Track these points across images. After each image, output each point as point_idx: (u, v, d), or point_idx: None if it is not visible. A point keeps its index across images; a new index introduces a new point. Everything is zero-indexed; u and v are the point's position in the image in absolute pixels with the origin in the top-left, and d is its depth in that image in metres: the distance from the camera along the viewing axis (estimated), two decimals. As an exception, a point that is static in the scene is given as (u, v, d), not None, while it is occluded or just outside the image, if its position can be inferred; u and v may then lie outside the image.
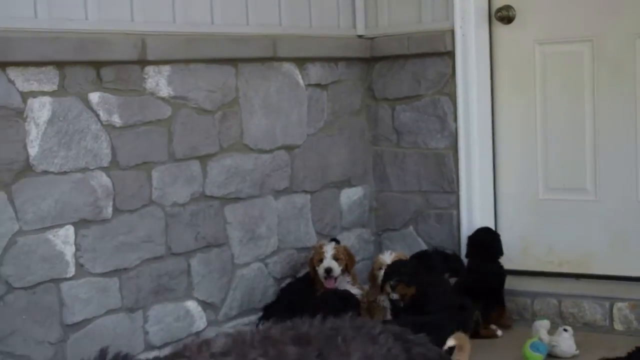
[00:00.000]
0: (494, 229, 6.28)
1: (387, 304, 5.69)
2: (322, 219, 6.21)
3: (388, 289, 5.50)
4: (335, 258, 5.70)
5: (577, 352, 5.40)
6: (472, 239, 6.11)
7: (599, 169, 6.07)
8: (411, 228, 6.58)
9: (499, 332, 5.78)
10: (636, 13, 5.88)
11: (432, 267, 5.95)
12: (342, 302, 5.21)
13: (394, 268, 5.59)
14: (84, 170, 4.69)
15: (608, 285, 6.01)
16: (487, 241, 6.05)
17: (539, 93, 6.24)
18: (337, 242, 6.06)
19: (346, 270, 5.77)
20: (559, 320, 5.87)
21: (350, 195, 6.47)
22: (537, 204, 6.29)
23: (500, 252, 6.02)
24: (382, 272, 5.68)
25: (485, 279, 5.90)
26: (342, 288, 5.62)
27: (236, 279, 5.57)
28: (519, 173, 6.35)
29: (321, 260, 5.70)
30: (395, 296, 5.46)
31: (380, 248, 6.53)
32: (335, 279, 5.66)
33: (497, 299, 5.92)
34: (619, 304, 5.80)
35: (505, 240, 6.11)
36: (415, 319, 5.00)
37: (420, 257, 6.08)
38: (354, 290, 5.68)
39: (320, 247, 5.78)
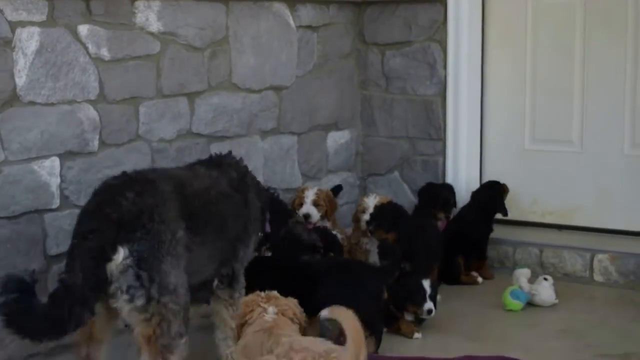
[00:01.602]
0: (479, 177, 6.31)
1: (369, 246, 5.71)
2: (308, 161, 6.22)
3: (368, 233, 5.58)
4: (315, 204, 5.70)
5: (557, 301, 5.46)
6: (478, 191, 6.16)
7: (586, 121, 6.08)
8: (396, 173, 6.59)
9: (479, 279, 5.84)
10: (629, -36, 5.87)
11: (445, 199, 6.05)
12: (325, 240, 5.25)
13: (376, 213, 5.61)
14: (71, 102, 4.67)
15: (590, 237, 6.06)
16: (491, 194, 6.08)
17: (529, 44, 6.24)
18: (340, 188, 6.05)
19: (326, 215, 5.77)
20: (539, 270, 5.93)
21: (337, 139, 6.47)
22: (523, 154, 6.31)
23: (502, 210, 6.05)
24: (365, 215, 5.69)
25: (475, 230, 5.94)
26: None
27: (220, 218, 5.56)
28: (506, 123, 6.36)
29: (301, 205, 5.71)
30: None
31: (365, 192, 6.53)
32: (314, 224, 5.65)
33: (481, 250, 5.96)
34: (600, 256, 5.87)
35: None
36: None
37: (429, 189, 6.14)
38: None
39: (302, 191, 5.78)
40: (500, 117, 6.38)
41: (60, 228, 4.67)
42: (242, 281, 4.40)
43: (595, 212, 6.10)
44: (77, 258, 3.60)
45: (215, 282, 4.33)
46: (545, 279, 5.49)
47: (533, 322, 5.22)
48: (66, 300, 3.50)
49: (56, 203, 4.65)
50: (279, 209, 5.05)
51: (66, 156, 4.68)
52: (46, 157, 4.58)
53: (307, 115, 6.14)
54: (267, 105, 5.82)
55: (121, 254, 3.60)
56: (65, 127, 4.65)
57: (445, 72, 6.30)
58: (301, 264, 4.84)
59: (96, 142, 4.82)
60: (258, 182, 4.68)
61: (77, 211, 4.63)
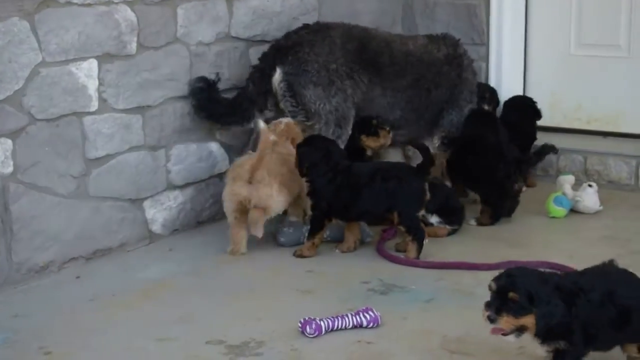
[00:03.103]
0: (522, 82, 6.21)
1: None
2: (348, 66, 6.11)
3: None
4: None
5: (601, 208, 5.37)
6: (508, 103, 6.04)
7: (634, 25, 5.92)
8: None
9: (523, 187, 5.74)
10: None
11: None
12: None
13: None
14: (108, 3, 4.60)
15: (635, 143, 5.94)
16: (525, 104, 5.97)
17: (577, -54, 6.06)
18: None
19: None
20: (583, 177, 5.83)
21: (378, 44, 6.35)
22: (568, 59, 6.17)
23: (538, 115, 5.94)
24: None
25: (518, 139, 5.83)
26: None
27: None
28: (551, 28, 6.22)
29: None
30: None
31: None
32: None
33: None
34: (646, 163, 5.75)
35: (534, 95, 6.03)
36: None
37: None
38: None
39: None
40: (545, 22, 6.23)
41: (99, 131, 4.65)
42: None
43: (641, 119, 5.98)
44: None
45: None
46: (590, 186, 5.40)
47: (577, 228, 5.15)
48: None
49: (94, 106, 4.62)
50: None
51: (104, 58, 4.62)
52: (84, 59, 4.54)
53: (347, 20, 6.00)
54: (306, 8, 5.71)
55: None
56: (102, 28, 4.59)
57: (489, -25, 6.16)
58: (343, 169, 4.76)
59: (134, 45, 4.76)
60: None
61: (115, 115, 4.68)
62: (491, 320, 3.08)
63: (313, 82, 5.10)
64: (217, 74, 5.11)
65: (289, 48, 5.15)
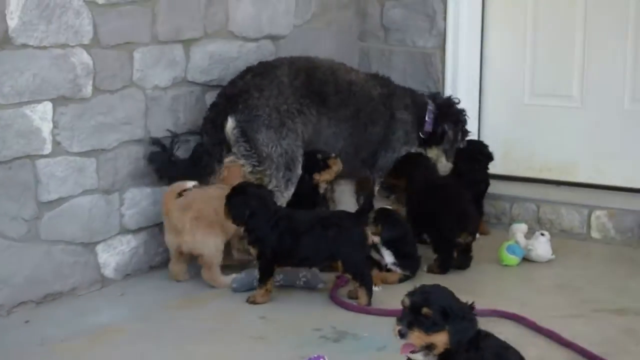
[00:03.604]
0: (477, 130, 6.25)
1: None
2: (304, 112, 6.13)
3: None
4: None
5: (553, 256, 5.41)
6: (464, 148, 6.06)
7: (587, 76, 6.01)
8: (395, 126, 6.51)
9: (471, 240, 5.75)
10: None
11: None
12: None
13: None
14: (64, 46, 4.59)
15: (588, 193, 6.01)
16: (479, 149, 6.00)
17: (530, -3, 6.16)
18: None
19: None
20: (536, 225, 5.87)
21: (334, 90, 6.38)
22: (522, 108, 6.25)
23: (491, 158, 5.97)
24: None
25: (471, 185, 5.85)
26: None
27: (215, 167, 5.51)
28: (505, 77, 6.29)
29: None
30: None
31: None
32: None
33: (478, 206, 5.88)
34: (598, 212, 5.81)
35: (487, 143, 6.07)
36: None
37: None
38: None
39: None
40: (500, 71, 6.31)
41: (52, 174, 4.61)
42: None
43: (594, 168, 6.04)
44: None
45: None
46: (542, 235, 5.44)
47: (529, 277, 5.18)
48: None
49: (48, 149, 4.59)
50: None
51: (59, 101, 4.60)
52: (38, 101, 4.51)
53: (305, 65, 6.05)
54: (263, 54, 5.72)
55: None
56: (57, 71, 4.57)
57: (445, 24, 6.22)
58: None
59: (90, 88, 4.75)
60: None
61: (69, 158, 4.66)
62: (402, 334, 3.03)
63: (265, 125, 5.12)
64: (175, 135, 5.14)
65: (238, 96, 5.16)
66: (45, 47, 4.50)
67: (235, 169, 5.13)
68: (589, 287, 4.97)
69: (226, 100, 5.19)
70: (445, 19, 6.21)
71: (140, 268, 5.11)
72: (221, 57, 5.45)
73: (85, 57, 4.69)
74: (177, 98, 5.23)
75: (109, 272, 4.95)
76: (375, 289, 4.79)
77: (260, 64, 5.40)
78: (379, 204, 5.33)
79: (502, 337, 3.25)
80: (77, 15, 4.62)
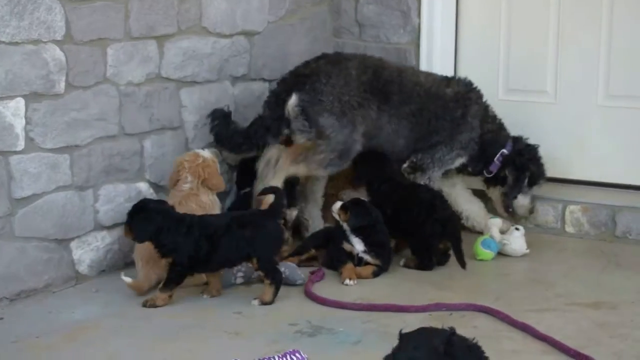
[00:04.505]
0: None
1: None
2: (279, 107, 6.12)
3: None
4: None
5: (528, 251, 5.43)
6: None
7: (560, 71, 6.03)
8: (369, 122, 6.51)
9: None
10: None
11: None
12: None
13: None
14: (36, 42, 4.56)
15: (562, 188, 6.02)
16: None
17: (504, -6, 6.17)
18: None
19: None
20: (511, 220, 5.88)
21: (309, 86, 6.38)
22: (497, 104, 6.21)
23: None
24: None
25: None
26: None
27: (189, 163, 5.49)
28: (479, 73, 6.26)
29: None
30: None
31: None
32: None
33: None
34: (572, 207, 5.85)
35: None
36: None
37: None
38: None
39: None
40: (474, 67, 6.29)
41: (26, 171, 4.59)
42: None
43: (568, 163, 6.05)
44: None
45: None
46: (517, 229, 5.47)
47: (504, 271, 5.20)
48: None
49: (21, 145, 4.56)
50: None
51: (31, 97, 4.58)
52: (11, 97, 4.49)
53: (278, 62, 6.03)
54: (237, 50, 5.72)
55: None
56: (30, 67, 4.55)
57: (419, 20, 6.22)
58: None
59: (62, 84, 4.72)
60: None
61: (42, 154, 4.63)
62: None
63: (327, 111, 5.34)
64: (227, 106, 5.45)
65: (307, 77, 5.42)
66: (17, 43, 4.47)
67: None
68: (564, 281, 5.00)
69: (295, 78, 5.46)
70: (419, 15, 6.21)
71: (114, 265, 5.08)
72: (195, 53, 5.44)
73: (58, 53, 4.67)
74: (150, 94, 5.21)
75: (83, 268, 4.93)
76: (350, 282, 4.81)
77: (336, 53, 5.81)
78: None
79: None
80: (49, 11, 4.59)
